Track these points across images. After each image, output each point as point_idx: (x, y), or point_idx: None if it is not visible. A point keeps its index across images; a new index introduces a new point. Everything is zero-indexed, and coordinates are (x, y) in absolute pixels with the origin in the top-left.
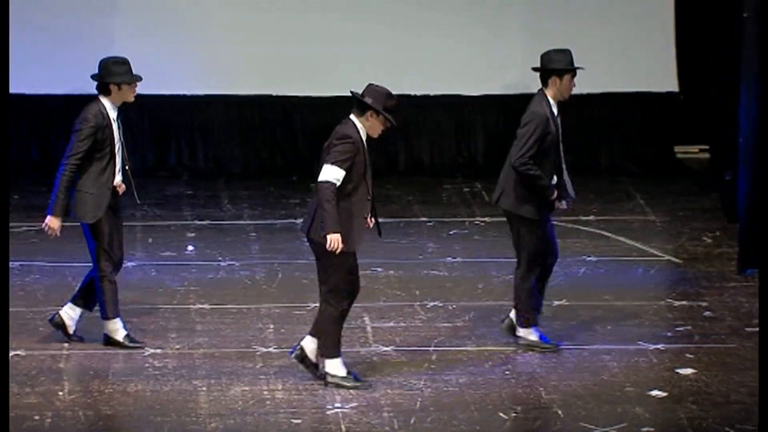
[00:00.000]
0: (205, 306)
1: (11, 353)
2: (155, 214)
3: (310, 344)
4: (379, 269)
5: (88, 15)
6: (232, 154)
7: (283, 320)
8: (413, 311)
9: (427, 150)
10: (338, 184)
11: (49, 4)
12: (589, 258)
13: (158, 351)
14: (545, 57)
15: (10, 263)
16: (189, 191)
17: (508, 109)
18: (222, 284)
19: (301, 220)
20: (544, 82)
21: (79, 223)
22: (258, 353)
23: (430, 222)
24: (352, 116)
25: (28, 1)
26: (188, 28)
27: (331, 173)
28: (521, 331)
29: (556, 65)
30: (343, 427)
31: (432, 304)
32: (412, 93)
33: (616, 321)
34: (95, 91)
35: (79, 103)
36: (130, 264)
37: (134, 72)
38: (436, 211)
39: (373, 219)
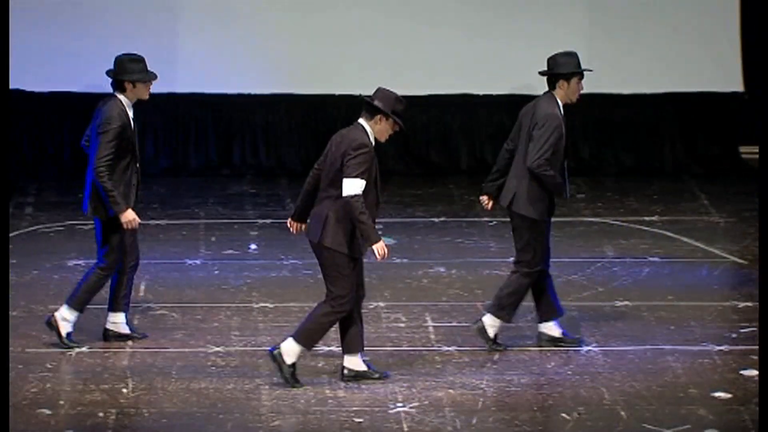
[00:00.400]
0: (268, 304)
1: (76, 350)
2: (218, 212)
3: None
4: (441, 269)
5: (150, 14)
6: (295, 153)
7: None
8: (475, 311)
9: (490, 149)
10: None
11: (114, 2)
12: (653, 258)
13: (221, 349)
14: (552, 60)
15: (81, 261)
16: (252, 190)
17: (574, 109)
18: (284, 283)
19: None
20: (552, 85)
21: (92, 220)
22: (320, 352)
23: (492, 222)
24: (361, 120)
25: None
26: (252, 27)
27: (356, 186)
28: (488, 319)
29: (563, 69)
30: (405, 426)
31: None
32: (476, 92)
33: (680, 322)
34: (178, 90)
35: (153, 102)
36: (193, 262)
37: (197, 71)
38: (498, 211)
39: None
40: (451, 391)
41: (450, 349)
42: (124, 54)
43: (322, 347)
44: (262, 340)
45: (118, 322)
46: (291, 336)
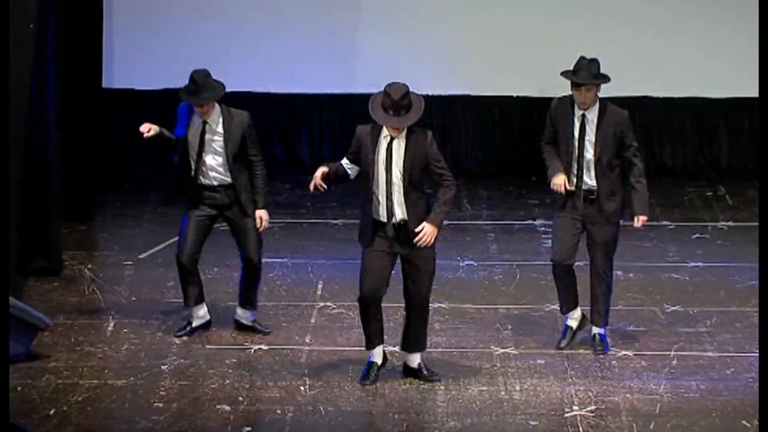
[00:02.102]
0: (444, 305)
1: (255, 347)
2: None
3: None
4: (618, 272)
5: (331, 14)
6: (472, 153)
7: (521, 321)
8: (653, 315)
9: (669, 152)
10: (347, 168)
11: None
12: None
13: (396, 349)
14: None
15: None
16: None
17: (752, 111)
18: (460, 284)
19: (540, 221)
20: None
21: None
22: (496, 353)
23: (671, 225)
24: None
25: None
26: (430, 27)
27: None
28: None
29: (567, 73)
30: (581, 430)
31: (672, 308)
32: (654, 95)
33: None
34: (356, 90)
35: (331, 102)
36: None
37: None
38: (678, 215)
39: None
40: (628, 395)
41: (627, 353)
42: (194, 71)
43: (497, 348)
44: (438, 341)
45: (240, 314)
46: None
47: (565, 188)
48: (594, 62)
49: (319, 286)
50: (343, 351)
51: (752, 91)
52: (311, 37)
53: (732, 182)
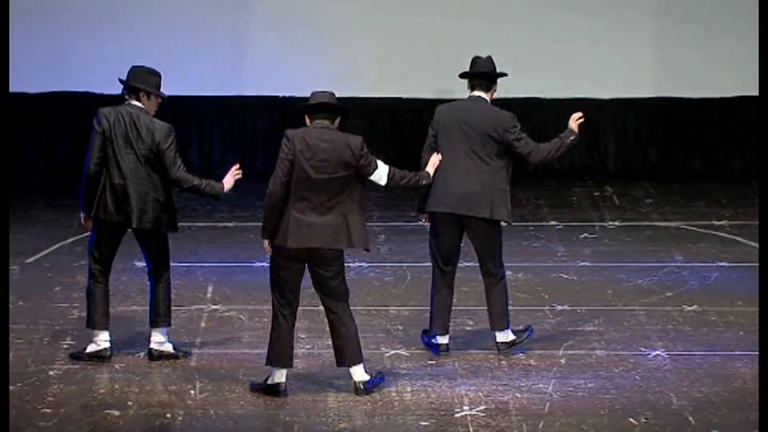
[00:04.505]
0: None
1: (144, 351)
2: None
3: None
4: (508, 272)
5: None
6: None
7: (412, 322)
8: (542, 315)
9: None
10: None
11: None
12: (722, 263)
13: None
14: (490, 62)
15: None
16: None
17: (639, 112)
18: (351, 285)
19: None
20: (488, 87)
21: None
22: (387, 354)
23: (559, 225)
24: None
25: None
26: (322, 31)
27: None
28: (504, 334)
29: (498, 72)
30: (471, 430)
31: (561, 307)
32: (542, 96)
33: (749, 327)
34: (246, 93)
35: (221, 104)
36: (261, 264)
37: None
38: (565, 215)
39: None
40: (517, 395)
41: (517, 353)
42: (143, 66)
43: (387, 349)
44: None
45: (161, 340)
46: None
47: None
48: None
49: (209, 290)
50: (233, 354)
51: (639, 92)
52: (202, 39)
53: (619, 183)
